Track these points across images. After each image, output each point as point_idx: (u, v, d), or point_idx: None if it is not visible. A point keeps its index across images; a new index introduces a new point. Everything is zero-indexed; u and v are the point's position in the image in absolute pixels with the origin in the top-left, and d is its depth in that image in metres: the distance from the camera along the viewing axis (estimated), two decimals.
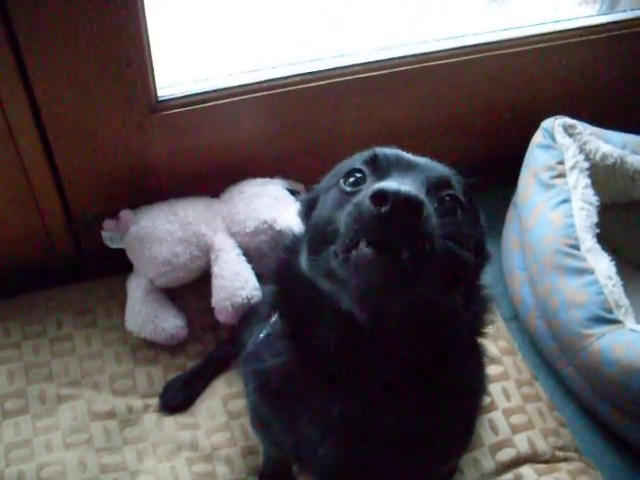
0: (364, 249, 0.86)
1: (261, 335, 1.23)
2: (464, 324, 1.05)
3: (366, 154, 1.03)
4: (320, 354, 1.05)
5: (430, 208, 0.88)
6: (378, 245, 0.85)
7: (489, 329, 1.12)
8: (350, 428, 1.10)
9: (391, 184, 0.84)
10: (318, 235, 0.98)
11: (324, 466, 1.17)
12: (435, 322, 1.00)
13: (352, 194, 0.96)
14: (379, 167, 1.00)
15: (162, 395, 1.79)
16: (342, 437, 1.12)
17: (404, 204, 0.83)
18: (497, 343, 1.91)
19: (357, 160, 1.04)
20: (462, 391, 1.16)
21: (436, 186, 0.97)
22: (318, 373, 1.08)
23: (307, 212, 1.10)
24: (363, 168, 1.00)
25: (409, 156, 1.03)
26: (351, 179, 1.00)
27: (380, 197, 0.84)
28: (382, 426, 1.10)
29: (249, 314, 1.78)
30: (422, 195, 0.88)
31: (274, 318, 1.19)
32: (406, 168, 0.99)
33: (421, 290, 0.91)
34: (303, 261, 1.04)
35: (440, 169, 1.02)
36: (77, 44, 1.57)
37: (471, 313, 1.07)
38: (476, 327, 1.11)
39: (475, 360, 1.19)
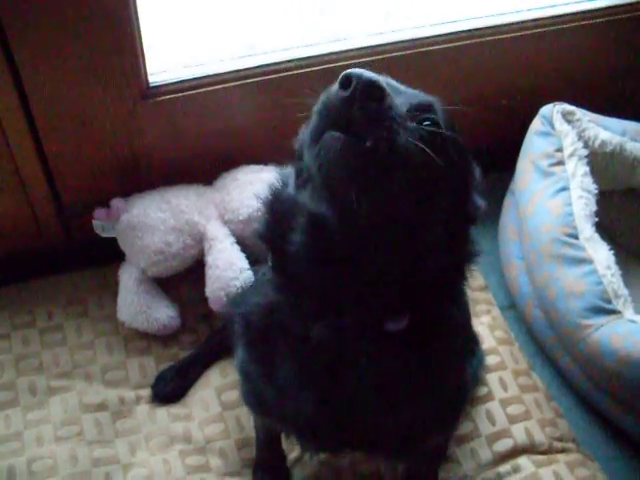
0: (329, 132, 0.88)
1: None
2: (443, 263, 1.04)
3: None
4: (299, 283, 1.04)
5: (396, 104, 0.89)
6: (342, 129, 0.87)
7: (470, 278, 1.13)
8: (328, 372, 1.11)
9: (356, 69, 0.87)
10: (302, 145, 0.99)
11: (306, 424, 1.19)
12: (410, 251, 1.00)
13: None
14: None
15: (154, 385, 1.77)
16: (319, 387, 1.13)
17: (366, 87, 0.85)
18: (494, 333, 1.90)
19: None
20: (442, 349, 1.15)
21: (417, 108, 0.97)
22: (297, 304, 1.07)
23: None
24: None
25: (397, 84, 1.04)
26: None
27: (346, 81, 0.86)
28: (357, 365, 1.10)
29: None
30: (398, 111, 0.90)
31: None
32: (392, 91, 0.98)
33: (389, 189, 0.90)
34: (290, 183, 1.06)
35: (424, 96, 1.03)
36: (65, 30, 1.54)
37: (452, 263, 1.06)
38: (456, 272, 1.10)
39: (455, 307, 1.18)
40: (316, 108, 0.92)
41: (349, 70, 0.86)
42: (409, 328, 1.06)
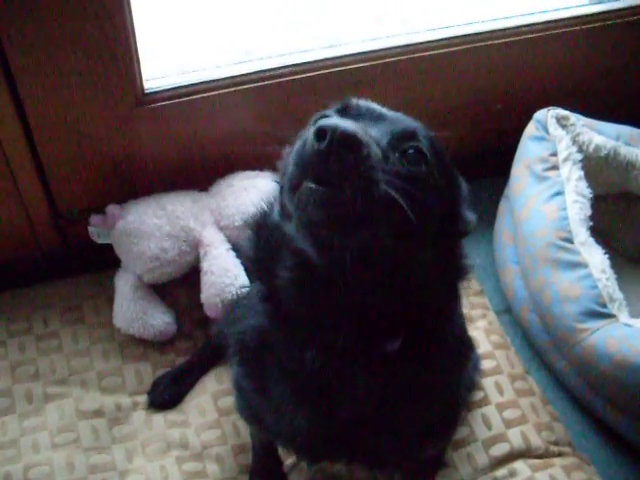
0: (306, 184, 0.87)
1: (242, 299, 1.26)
2: (433, 288, 1.05)
3: (339, 102, 1.05)
4: (290, 309, 1.05)
5: (374, 151, 0.88)
6: (319, 180, 0.86)
7: (460, 296, 1.14)
8: (322, 393, 1.11)
9: (331, 120, 0.86)
10: (285, 180, 0.98)
11: (301, 437, 1.18)
12: (399, 276, 0.99)
13: None
14: (348, 116, 1.00)
15: (150, 392, 1.77)
16: (314, 402, 1.13)
17: (341, 140, 0.84)
18: (489, 337, 1.90)
19: (330, 108, 1.05)
20: (437, 361, 1.15)
21: (400, 137, 0.97)
22: (289, 328, 1.08)
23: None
24: (333, 115, 1.01)
25: (381, 109, 1.03)
26: None
27: (321, 133, 0.85)
28: (353, 386, 1.09)
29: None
30: (379, 144, 0.90)
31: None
32: (375, 119, 1.00)
33: (368, 233, 0.90)
34: (275, 209, 1.06)
35: (409, 122, 1.03)
36: (61, 35, 1.54)
37: (443, 279, 1.07)
38: (447, 294, 1.11)
39: (452, 330, 1.18)
40: (292, 157, 0.92)
41: (324, 122, 0.85)
42: (403, 346, 1.05)
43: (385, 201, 0.88)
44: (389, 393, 1.13)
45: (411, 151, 0.96)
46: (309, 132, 0.88)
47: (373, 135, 0.92)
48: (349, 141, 0.84)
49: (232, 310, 1.49)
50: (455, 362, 1.26)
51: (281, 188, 1.03)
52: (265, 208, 1.13)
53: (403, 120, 1.03)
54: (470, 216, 1.10)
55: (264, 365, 1.18)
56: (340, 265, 0.94)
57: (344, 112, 1.02)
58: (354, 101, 1.04)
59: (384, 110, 1.03)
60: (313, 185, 0.86)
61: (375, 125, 0.98)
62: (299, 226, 0.93)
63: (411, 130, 1.00)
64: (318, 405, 1.13)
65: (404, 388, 1.13)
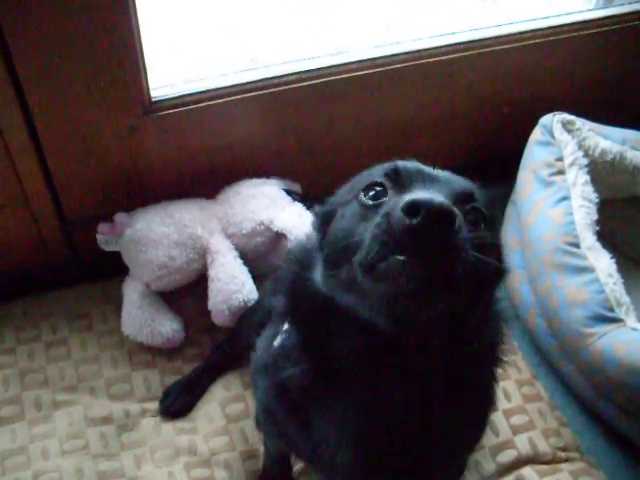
0: (396, 257, 0.84)
1: (275, 344, 1.21)
2: (482, 336, 1.05)
3: (387, 166, 1.01)
4: (337, 364, 1.03)
5: (461, 219, 0.86)
6: (411, 254, 0.84)
7: (507, 341, 1.13)
8: (368, 436, 1.10)
9: (424, 194, 0.84)
10: (337, 249, 0.96)
11: (340, 470, 1.15)
12: (457, 334, 0.99)
13: (373, 207, 0.95)
14: (400, 180, 0.98)
15: (162, 401, 1.78)
16: (359, 444, 1.11)
17: (437, 215, 0.82)
18: None
19: (377, 173, 1.02)
20: (476, 398, 1.16)
21: (460, 199, 0.95)
22: (336, 383, 1.06)
23: (322, 226, 1.07)
24: (384, 181, 0.98)
25: (430, 169, 1.01)
26: (371, 192, 0.98)
27: (413, 208, 0.82)
28: (400, 434, 1.09)
29: (247, 316, 1.78)
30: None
31: (285, 326, 1.17)
32: (428, 181, 0.97)
33: (451, 300, 0.89)
34: (319, 277, 1.03)
35: (462, 182, 1.01)
36: (68, 46, 1.55)
37: (488, 325, 1.06)
38: (494, 338, 1.10)
39: (492, 370, 1.17)
40: (374, 232, 0.88)
41: (416, 197, 0.83)
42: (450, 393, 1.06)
43: (474, 269, 0.88)
44: (437, 424, 1.11)
45: (472, 212, 0.96)
46: (394, 208, 0.85)
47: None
48: (444, 216, 0.82)
49: (246, 327, 1.50)
50: (491, 394, 1.25)
51: (327, 258, 1.01)
52: (295, 270, 1.10)
53: (455, 179, 1.01)
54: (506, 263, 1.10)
55: (304, 406, 1.15)
56: (412, 333, 0.95)
57: (394, 176, 0.99)
58: (402, 163, 1.01)
59: (433, 170, 1.01)
60: (405, 257, 0.84)
61: (430, 187, 0.96)
62: (377, 299, 0.91)
63: (469, 192, 0.98)
64: (364, 445, 1.12)
65: (448, 423, 1.12)
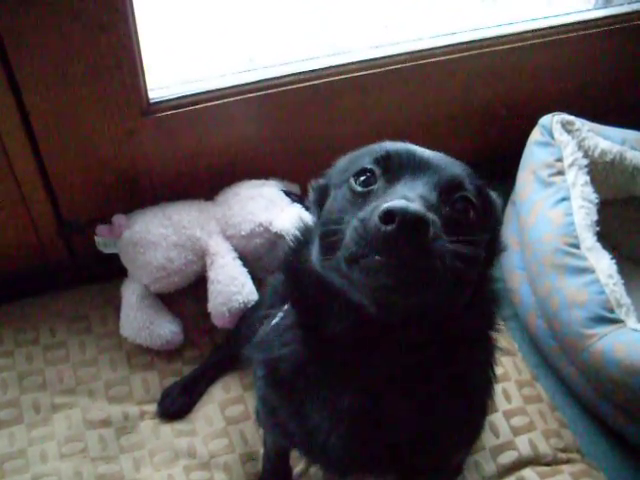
0: (373, 256, 0.88)
1: (272, 322, 1.23)
2: (473, 318, 1.07)
3: (378, 151, 1.03)
4: (331, 344, 1.06)
5: (437, 225, 0.90)
6: (387, 256, 0.87)
7: (499, 323, 1.14)
8: (359, 418, 1.11)
9: (398, 203, 0.86)
10: (328, 234, 0.99)
11: (334, 456, 1.17)
12: (444, 316, 1.01)
13: (362, 195, 0.99)
14: (390, 167, 1.00)
15: (160, 402, 1.77)
16: (351, 427, 1.13)
17: (410, 223, 0.85)
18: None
19: (368, 157, 1.04)
20: (470, 384, 1.17)
21: (448, 189, 0.98)
22: (328, 363, 1.09)
23: (319, 200, 1.10)
24: (374, 168, 1.01)
25: (422, 153, 1.03)
26: (362, 178, 1.01)
27: (388, 215, 0.86)
28: (391, 417, 1.11)
29: (246, 317, 1.76)
30: (431, 203, 0.92)
31: (285, 307, 1.19)
32: (418, 168, 1.00)
33: (431, 293, 0.93)
34: (314, 255, 1.05)
35: (453, 169, 1.02)
36: (66, 46, 1.55)
37: (480, 307, 1.08)
38: (485, 321, 1.12)
39: (485, 354, 1.19)
40: (351, 235, 0.92)
41: (391, 205, 0.86)
42: (442, 372, 1.08)
43: (448, 269, 0.90)
44: (430, 413, 1.13)
45: (460, 202, 0.98)
46: (371, 213, 0.89)
47: (423, 194, 0.94)
48: (417, 224, 0.86)
49: (246, 328, 1.51)
50: (487, 381, 1.25)
51: (320, 241, 1.03)
52: (293, 247, 1.14)
53: (446, 166, 1.02)
54: (503, 242, 1.12)
55: (299, 391, 1.17)
56: (398, 316, 0.98)
57: (385, 163, 1.01)
58: (394, 149, 1.03)
59: (425, 154, 1.03)
60: (382, 258, 0.88)
61: (419, 176, 0.98)
62: (362, 288, 0.95)
63: (457, 181, 1.00)
64: (358, 430, 1.13)
65: (442, 409, 1.14)
